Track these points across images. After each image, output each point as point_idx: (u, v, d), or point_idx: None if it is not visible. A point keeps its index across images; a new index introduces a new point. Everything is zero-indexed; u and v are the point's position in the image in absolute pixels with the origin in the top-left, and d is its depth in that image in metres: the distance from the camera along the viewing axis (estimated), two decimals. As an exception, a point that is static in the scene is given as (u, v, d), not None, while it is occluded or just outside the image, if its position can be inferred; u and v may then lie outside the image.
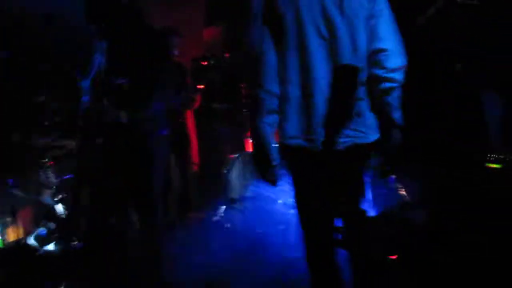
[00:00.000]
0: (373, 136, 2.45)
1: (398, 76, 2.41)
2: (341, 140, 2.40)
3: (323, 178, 2.44)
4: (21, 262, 4.19)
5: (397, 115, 2.41)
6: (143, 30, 3.60)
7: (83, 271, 4.08)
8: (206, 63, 5.68)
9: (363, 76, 2.42)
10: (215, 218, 4.89)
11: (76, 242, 4.51)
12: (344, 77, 2.36)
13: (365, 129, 2.43)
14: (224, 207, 4.74)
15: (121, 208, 4.12)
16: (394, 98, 2.40)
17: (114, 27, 3.59)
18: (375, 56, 2.40)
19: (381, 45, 2.39)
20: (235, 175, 4.69)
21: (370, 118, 2.46)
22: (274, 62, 2.47)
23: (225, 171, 4.74)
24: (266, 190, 4.66)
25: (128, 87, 3.57)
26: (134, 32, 3.55)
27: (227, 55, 5.90)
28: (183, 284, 3.67)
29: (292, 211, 4.08)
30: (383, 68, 2.39)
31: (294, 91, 2.45)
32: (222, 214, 4.80)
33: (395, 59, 2.40)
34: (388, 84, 2.40)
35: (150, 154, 3.75)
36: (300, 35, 2.39)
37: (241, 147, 5.26)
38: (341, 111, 2.38)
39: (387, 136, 2.42)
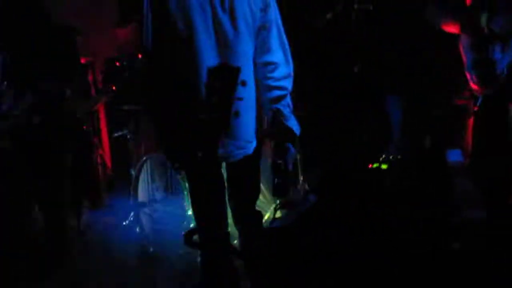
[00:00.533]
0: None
1: (287, 83, 2.52)
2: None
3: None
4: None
5: (290, 122, 2.50)
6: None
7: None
8: (119, 64, 5.54)
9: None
10: (125, 223, 4.80)
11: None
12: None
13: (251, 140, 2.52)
14: (132, 212, 4.64)
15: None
16: (284, 106, 2.50)
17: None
18: (264, 68, 2.51)
19: (271, 58, 2.50)
20: (143, 177, 4.59)
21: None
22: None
23: (133, 174, 4.64)
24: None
25: None
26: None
27: (139, 55, 5.78)
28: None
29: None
30: (272, 78, 2.49)
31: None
32: (131, 218, 4.70)
33: (283, 69, 2.52)
34: (277, 92, 2.50)
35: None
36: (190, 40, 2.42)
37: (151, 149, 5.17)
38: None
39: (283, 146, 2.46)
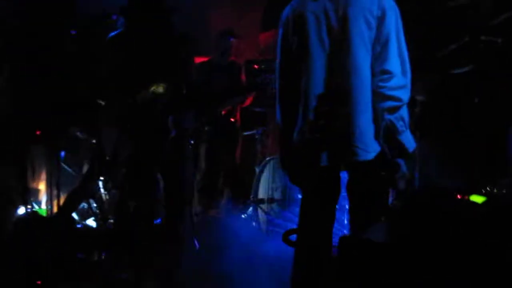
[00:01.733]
0: (370, 154, 2.50)
1: (402, 94, 2.45)
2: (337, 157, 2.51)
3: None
4: (59, 232, 4.53)
5: (402, 137, 2.44)
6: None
7: (113, 249, 4.39)
8: (257, 66, 5.86)
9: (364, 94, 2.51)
10: (243, 216, 5.14)
11: (111, 221, 4.81)
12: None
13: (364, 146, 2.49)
14: (251, 207, 4.95)
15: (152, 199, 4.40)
16: (397, 118, 2.44)
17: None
18: (380, 76, 2.47)
19: (387, 67, 2.45)
20: (265, 176, 4.89)
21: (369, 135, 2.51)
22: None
23: (256, 172, 4.95)
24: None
25: None
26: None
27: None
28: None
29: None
30: (386, 87, 2.44)
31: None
32: (250, 213, 5.03)
33: (399, 79, 2.45)
34: (390, 103, 2.44)
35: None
36: (306, 52, 2.55)
37: (276, 151, 5.44)
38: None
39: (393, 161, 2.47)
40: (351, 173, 2.60)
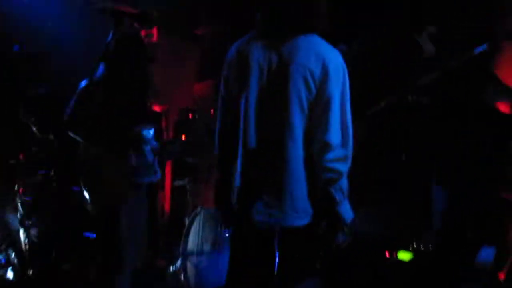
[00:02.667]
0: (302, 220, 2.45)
1: (341, 167, 2.38)
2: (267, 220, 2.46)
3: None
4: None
5: (341, 208, 2.39)
6: None
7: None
8: (191, 116, 5.87)
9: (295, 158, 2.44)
10: (171, 269, 4.99)
11: (31, 272, 4.58)
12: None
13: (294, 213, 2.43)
14: (180, 259, 4.83)
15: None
16: (336, 190, 2.37)
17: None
18: (318, 146, 2.38)
19: (326, 138, 2.36)
20: (195, 228, 4.80)
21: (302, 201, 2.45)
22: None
23: (186, 223, 4.85)
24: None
25: None
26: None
27: (212, 111, 6.08)
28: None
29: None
30: (325, 159, 2.36)
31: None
32: (178, 266, 4.89)
33: (338, 151, 2.37)
34: (330, 175, 2.37)
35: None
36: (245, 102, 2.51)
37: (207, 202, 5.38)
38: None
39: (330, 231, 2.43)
40: (283, 235, 2.53)
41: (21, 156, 5.15)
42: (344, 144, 2.41)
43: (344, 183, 2.40)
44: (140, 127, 3.53)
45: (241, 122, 2.56)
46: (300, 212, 2.46)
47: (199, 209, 4.87)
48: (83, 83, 3.32)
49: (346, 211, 2.41)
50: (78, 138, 3.29)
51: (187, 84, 7.24)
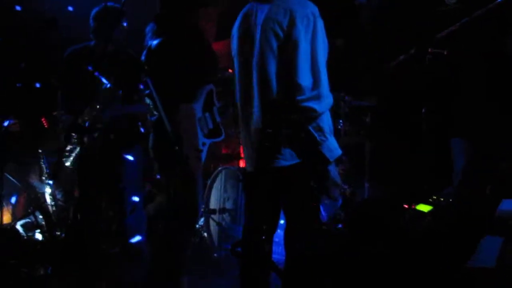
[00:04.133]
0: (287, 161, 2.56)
1: (315, 105, 2.48)
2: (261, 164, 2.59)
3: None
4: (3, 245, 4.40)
5: (322, 147, 2.49)
6: None
7: (60, 261, 4.28)
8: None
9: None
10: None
11: (59, 233, 4.70)
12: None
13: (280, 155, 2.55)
14: (203, 217, 4.91)
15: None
16: (315, 128, 2.49)
17: None
18: (291, 89, 2.51)
19: (297, 80, 2.49)
20: (216, 187, 4.86)
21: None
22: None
23: (208, 182, 4.91)
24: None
25: None
26: None
27: (230, 70, 6.06)
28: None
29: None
30: (299, 100, 2.48)
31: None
32: (201, 223, 4.98)
33: (309, 92, 2.49)
34: (305, 114, 2.49)
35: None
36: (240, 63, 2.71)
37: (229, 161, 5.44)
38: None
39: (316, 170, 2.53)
40: (276, 179, 2.63)
41: (44, 121, 5.23)
42: (315, 85, 2.52)
43: (322, 121, 2.51)
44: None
45: (240, 80, 2.74)
46: (283, 153, 2.58)
47: (220, 168, 4.92)
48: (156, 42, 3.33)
49: (330, 149, 2.51)
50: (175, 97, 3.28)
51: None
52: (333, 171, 2.52)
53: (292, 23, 2.53)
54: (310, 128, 2.48)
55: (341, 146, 2.63)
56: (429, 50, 3.08)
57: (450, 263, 1.59)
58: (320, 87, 2.51)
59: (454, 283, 1.52)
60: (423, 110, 3.28)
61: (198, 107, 3.37)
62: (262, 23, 2.60)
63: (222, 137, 3.59)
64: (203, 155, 3.36)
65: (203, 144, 3.39)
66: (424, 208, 2.20)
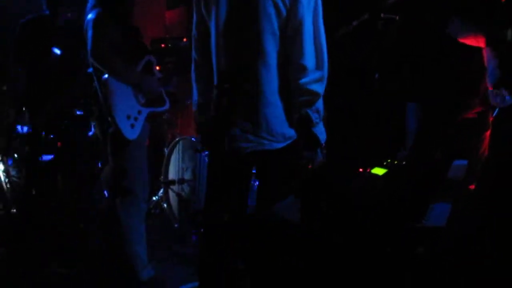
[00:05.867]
0: (279, 144, 2.48)
1: (318, 88, 2.40)
2: (243, 145, 2.48)
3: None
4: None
5: (316, 129, 2.43)
6: None
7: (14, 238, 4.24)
8: (164, 45, 5.74)
9: (272, 83, 2.46)
10: (153, 198, 5.07)
11: (14, 210, 4.62)
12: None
13: (272, 137, 2.46)
14: (161, 189, 4.90)
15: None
16: (313, 111, 2.41)
17: None
18: (294, 70, 2.40)
19: (301, 61, 2.37)
20: (175, 157, 4.84)
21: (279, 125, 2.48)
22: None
23: (165, 153, 4.88)
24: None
25: None
26: None
27: (185, 39, 5.97)
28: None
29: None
30: (302, 82, 2.37)
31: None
32: (161, 194, 4.97)
33: (314, 73, 2.39)
34: (307, 97, 2.39)
35: None
36: (216, 28, 2.50)
37: (184, 131, 5.41)
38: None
39: (306, 152, 2.46)
40: (260, 160, 2.58)
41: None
42: (319, 65, 2.42)
43: (320, 104, 2.44)
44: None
45: (213, 49, 2.55)
46: (276, 136, 2.49)
47: (177, 138, 4.90)
48: (92, 15, 3.28)
49: (322, 132, 2.46)
50: (103, 69, 3.27)
51: (158, 12, 7.05)
52: (320, 155, 2.46)
53: None
54: (309, 110, 2.40)
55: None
56: (381, 15, 3.11)
57: (403, 223, 1.64)
58: (323, 68, 2.42)
59: (406, 241, 1.58)
60: (376, 76, 3.31)
61: (130, 77, 3.34)
62: None
63: (166, 106, 3.58)
64: (139, 123, 3.34)
65: (139, 112, 3.35)
66: (379, 171, 2.24)
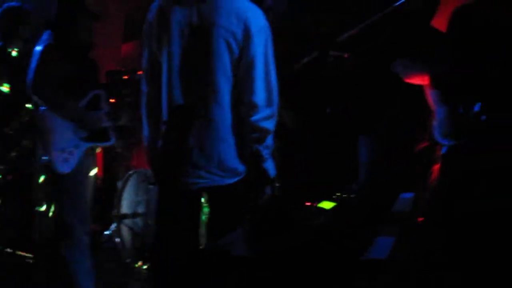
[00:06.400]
0: (230, 179, 2.51)
1: (268, 125, 2.46)
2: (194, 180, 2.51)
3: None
4: None
5: (266, 164, 2.48)
6: None
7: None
8: (127, 77, 5.71)
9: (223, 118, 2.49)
10: (106, 232, 4.98)
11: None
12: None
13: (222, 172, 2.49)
14: (114, 223, 4.82)
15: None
16: (264, 147, 2.46)
17: None
18: (245, 107, 2.44)
19: (252, 98, 2.42)
20: (128, 191, 4.79)
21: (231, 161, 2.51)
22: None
23: (119, 186, 4.83)
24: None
25: None
26: None
27: (140, 72, 5.93)
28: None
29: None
30: (253, 120, 2.43)
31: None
32: (114, 228, 4.88)
33: (264, 111, 2.44)
34: (258, 134, 2.45)
35: None
36: (168, 64, 2.50)
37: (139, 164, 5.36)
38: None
39: (257, 187, 2.51)
40: (212, 194, 2.60)
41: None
42: (269, 103, 2.47)
43: (270, 140, 2.49)
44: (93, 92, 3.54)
45: (164, 85, 2.55)
46: (228, 171, 2.52)
47: (131, 171, 4.85)
48: (40, 48, 3.28)
49: (272, 167, 2.50)
50: (40, 102, 3.26)
51: (115, 44, 7.05)
52: (270, 189, 2.50)
53: (248, 36, 2.38)
54: (260, 147, 2.45)
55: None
56: (331, 53, 3.20)
57: (346, 256, 1.68)
58: (274, 105, 2.47)
59: (349, 274, 1.61)
60: (327, 110, 3.39)
61: (70, 112, 3.33)
62: (210, 32, 2.38)
63: (110, 142, 3.56)
64: (73, 157, 3.32)
65: (76, 146, 3.35)
66: (326, 205, 2.28)
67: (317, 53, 3.17)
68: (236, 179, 2.53)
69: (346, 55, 3.29)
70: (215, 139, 2.48)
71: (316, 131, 3.61)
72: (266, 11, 3.83)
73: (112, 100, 5.49)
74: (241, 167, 2.54)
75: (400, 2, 3.10)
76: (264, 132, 2.45)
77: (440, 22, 3.12)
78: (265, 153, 2.47)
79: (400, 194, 2.85)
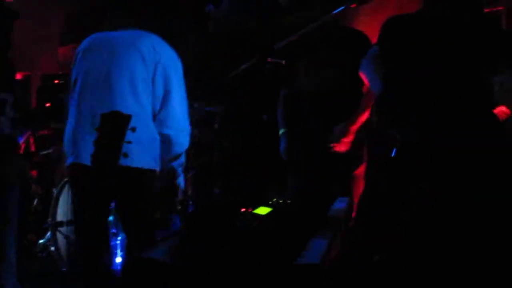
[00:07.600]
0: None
1: (183, 147, 2.72)
2: None
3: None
4: None
5: (178, 180, 2.73)
6: None
7: None
8: (58, 81, 5.62)
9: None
10: (41, 241, 4.84)
11: None
12: None
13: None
14: (49, 231, 4.69)
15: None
16: (177, 165, 2.73)
17: None
18: (160, 126, 2.67)
19: (166, 131, 2.67)
20: (63, 198, 4.67)
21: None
22: None
23: (54, 193, 4.70)
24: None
25: None
26: None
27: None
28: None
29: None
30: (168, 143, 2.68)
31: None
32: (48, 238, 4.75)
33: (182, 135, 2.72)
34: (172, 154, 2.70)
35: None
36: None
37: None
38: None
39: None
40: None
41: None
42: (184, 127, 2.73)
43: (183, 157, 2.75)
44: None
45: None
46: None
47: (66, 179, 4.73)
48: None
49: (182, 182, 2.78)
50: None
51: (51, 48, 6.90)
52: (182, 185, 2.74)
53: (155, 71, 2.65)
54: (175, 164, 2.76)
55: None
56: (268, 59, 3.23)
57: (279, 261, 1.69)
58: (187, 126, 2.77)
59: (281, 280, 1.62)
60: (264, 117, 3.42)
61: None
62: (127, 56, 2.61)
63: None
64: None
65: None
66: (262, 211, 2.30)
67: (255, 59, 3.19)
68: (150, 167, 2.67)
69: (283, 62, 3.34)
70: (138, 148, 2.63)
71: (253, 138, 3.64)
72: (207, 14, 3.87)
73: (47, 104, 5.39)
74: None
75: (338, 10, 3.17)
76: (179, 151, 2.72)
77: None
78: (179, 170, 2.74)
79: (336, 198, 2.90)
